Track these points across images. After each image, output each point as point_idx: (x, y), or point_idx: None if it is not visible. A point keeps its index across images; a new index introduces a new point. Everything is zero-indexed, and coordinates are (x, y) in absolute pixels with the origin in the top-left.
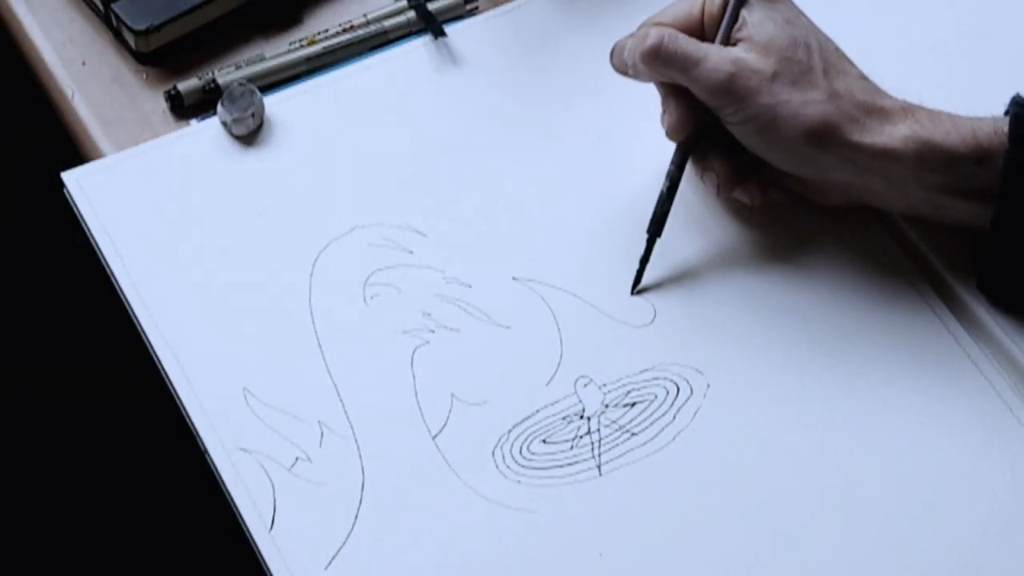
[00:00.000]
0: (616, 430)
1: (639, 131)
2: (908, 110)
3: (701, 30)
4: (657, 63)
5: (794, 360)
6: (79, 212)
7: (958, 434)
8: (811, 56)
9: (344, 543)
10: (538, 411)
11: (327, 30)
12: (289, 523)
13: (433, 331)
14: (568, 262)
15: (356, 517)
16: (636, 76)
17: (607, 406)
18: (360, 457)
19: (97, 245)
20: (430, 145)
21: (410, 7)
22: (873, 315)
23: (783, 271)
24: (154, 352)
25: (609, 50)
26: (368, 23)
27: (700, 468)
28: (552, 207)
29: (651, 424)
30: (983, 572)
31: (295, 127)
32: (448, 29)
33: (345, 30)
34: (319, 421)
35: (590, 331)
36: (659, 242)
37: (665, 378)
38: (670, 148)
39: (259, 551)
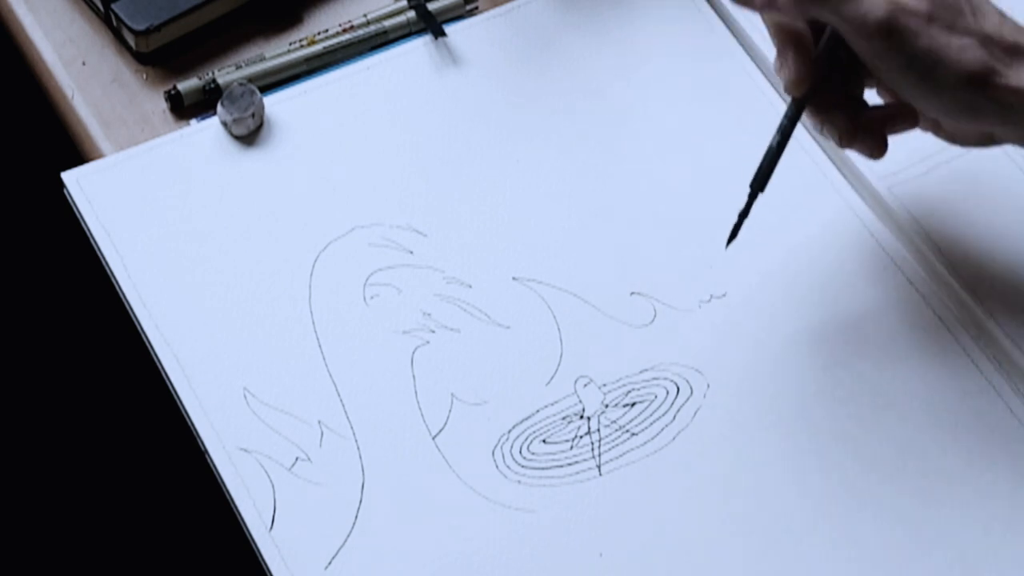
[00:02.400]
0: (616, 430)
1: (639, 131)
2: None
3: None
4: (809, 1)
5: (793, 360)
6: (79, 212)
7: (958, 434)
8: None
9: (344, 543)
10: (538, 411)
11: (327, 30)
12: (289, 523)
13: (433, 331)
14: (568, 262)
15: (356, 517)
16: (769, 9)
17: (607, 406)
18: (360, 457)
19: (97, 245)
20: (430, 145)
21: (410, 7)
22: (873, 315)
23: (782, 272)
24: (154, 352)
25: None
26: (368, 23)
27: (700, 468)
28: (552, 207)
29: (651, 424)
30: (983, 573)
31: (295, 127)
32: (448, 29)
33: (345, 30)
34: (319, 421)
35: (590, 331)
36: (661, 242)
37: (665, 378)
38: (671, 149)
39: (259, 551)
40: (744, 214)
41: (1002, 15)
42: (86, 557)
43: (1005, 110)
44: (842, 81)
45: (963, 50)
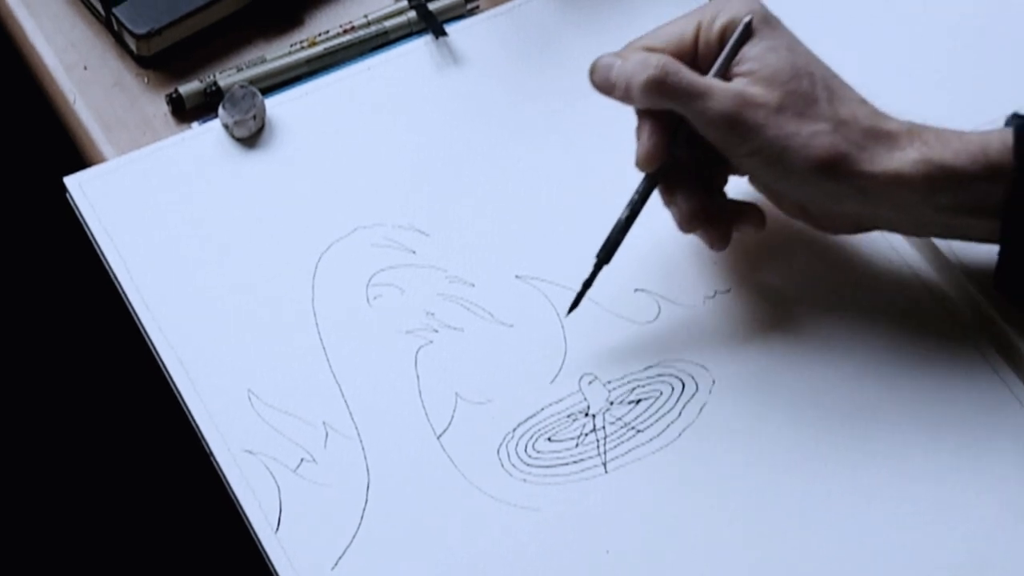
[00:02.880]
0: (621, 427)
1: None
2: (914, 132)
3: (694, 55)
4: (657, 95)
5: (798, 355)
6: (82, 216)
7: (966, 425)
8: (814, 86)
9: (350, 544)
10: (543, 409)
11: (328, 31)
12: (295, 524)
13: (436, 331)
14: (571, 260)
15: (362, 518)
16: (624, 100)
17: (612, 403)
18: (365, 458)
19: (100, 249)
20: (432, 145)
21: (411, 7)
22: (879, 309)
23: (788, 266)
24: (158, 355)
25: (593, 60)
26: (369, 24)
27: (706, 464)
28: (554, 205)
29: (657, 421)
30: (992, 565)
31: (297, 129)
32: (449, 29)
33: (346, 31)
34: (323, 422)
35: (594, 328)
36: (664, 239)
37: (670, 374)
38: None
39: (265, 553)
40: (587, 284)
41: (862, 101)
42: (91, 559)
43: (862, 194)
44: (696, 165)
45: (813, 136)
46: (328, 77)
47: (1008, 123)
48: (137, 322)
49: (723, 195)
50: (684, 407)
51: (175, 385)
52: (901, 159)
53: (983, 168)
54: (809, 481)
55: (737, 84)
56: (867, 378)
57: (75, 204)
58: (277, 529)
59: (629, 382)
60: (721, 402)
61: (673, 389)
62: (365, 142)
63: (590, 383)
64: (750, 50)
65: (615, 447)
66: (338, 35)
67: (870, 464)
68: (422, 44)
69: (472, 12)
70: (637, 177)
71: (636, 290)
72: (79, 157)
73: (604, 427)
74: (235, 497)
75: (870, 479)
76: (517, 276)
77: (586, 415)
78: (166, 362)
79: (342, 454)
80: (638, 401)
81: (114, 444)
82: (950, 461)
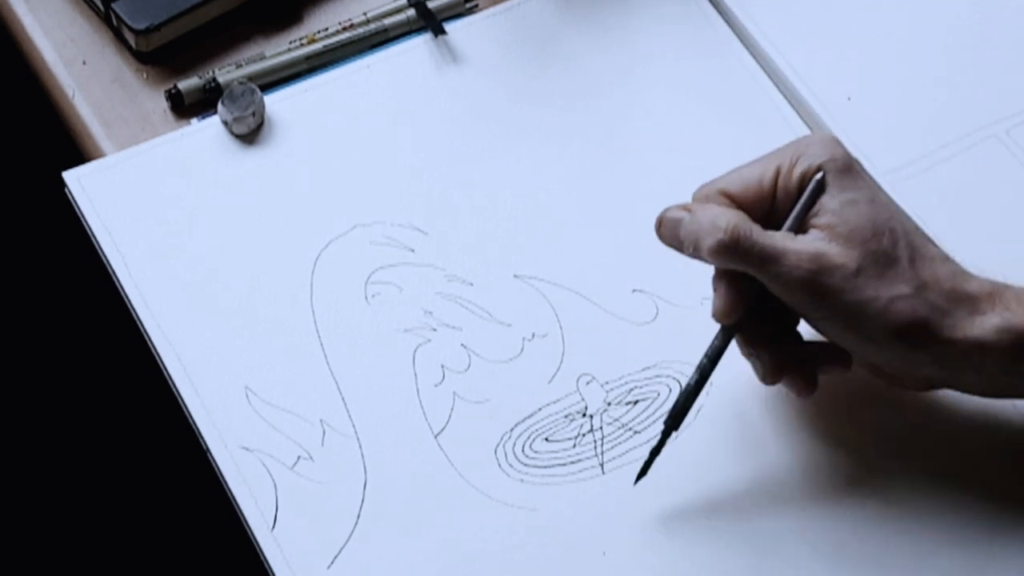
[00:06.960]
0: (619, 428)
1: (640, 128)
2: (995, 294)
3: (772, 201)
4: (729, 259)
5: None
6: (80, 211)
7: (956, 428)
8: (896, 244)
9: (346, 542)
10: (540, 409)
11: (327, 28)
12: (291, 522)
13: (435, 329)
14: (570, 259)
15: (358, 516)
16: (694, 258)
17: (609, 404)
18: (362, 456)
19: (98, 244)
20: (431, 143)
21: (410, 5)
22: None
23: None
24: (156, 351)
25: (660, 213)
26: (368, 21)
27: (703, 466)
28: (553, 204)
29: (654, 422)
30: (986, 570)
31: (296, 126)
32: (448, 27)
33: (345, 28)
34: (321, 420)
35: (592, 329)
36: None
37: (667, 376)
38: (672, 146)
39: (261, 550)
40: (656, 451)
41: (944, 259)
42: (87, 556)
43: (940, 361)
44: (773, 316)
45: (893, 301)
46: (327, 74)
47: None
48: (135, 318)
49: (799, 336)
50: None
51: (172, 381)
52: (982, 325)
53: None
54: (805, 483)
55: (813, 242)
56: (864, 380)
57: (74, 199)
58: (273, 527)
59: (627, 383)
60: (718, 404)
61: (671, 390)
62: (364, 140)
63: (588, 383)
64: (829, 202)
65: (612, 448)
66: (337, 32)
67: (865, 466)
68: (421, 42)
69: (471, 11)
70: (635, 177)
71: (634, 291)
72: (78, 152)
73: (601, 428)
74: (231, 494)
75: (865, 482)
76: (516, 275)
77: (584, 416)
78: (164, 358)
79: (339, 452)
80: (636, 402)
81: (111, 440)
82: (944, 464)
